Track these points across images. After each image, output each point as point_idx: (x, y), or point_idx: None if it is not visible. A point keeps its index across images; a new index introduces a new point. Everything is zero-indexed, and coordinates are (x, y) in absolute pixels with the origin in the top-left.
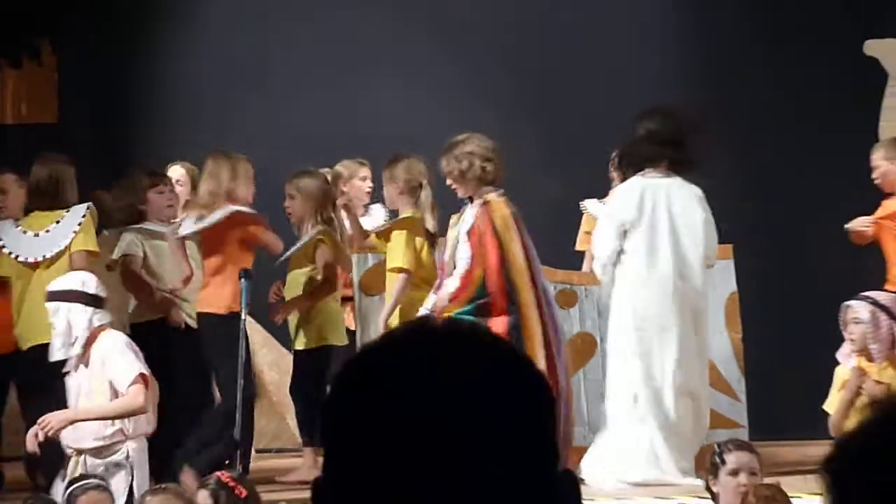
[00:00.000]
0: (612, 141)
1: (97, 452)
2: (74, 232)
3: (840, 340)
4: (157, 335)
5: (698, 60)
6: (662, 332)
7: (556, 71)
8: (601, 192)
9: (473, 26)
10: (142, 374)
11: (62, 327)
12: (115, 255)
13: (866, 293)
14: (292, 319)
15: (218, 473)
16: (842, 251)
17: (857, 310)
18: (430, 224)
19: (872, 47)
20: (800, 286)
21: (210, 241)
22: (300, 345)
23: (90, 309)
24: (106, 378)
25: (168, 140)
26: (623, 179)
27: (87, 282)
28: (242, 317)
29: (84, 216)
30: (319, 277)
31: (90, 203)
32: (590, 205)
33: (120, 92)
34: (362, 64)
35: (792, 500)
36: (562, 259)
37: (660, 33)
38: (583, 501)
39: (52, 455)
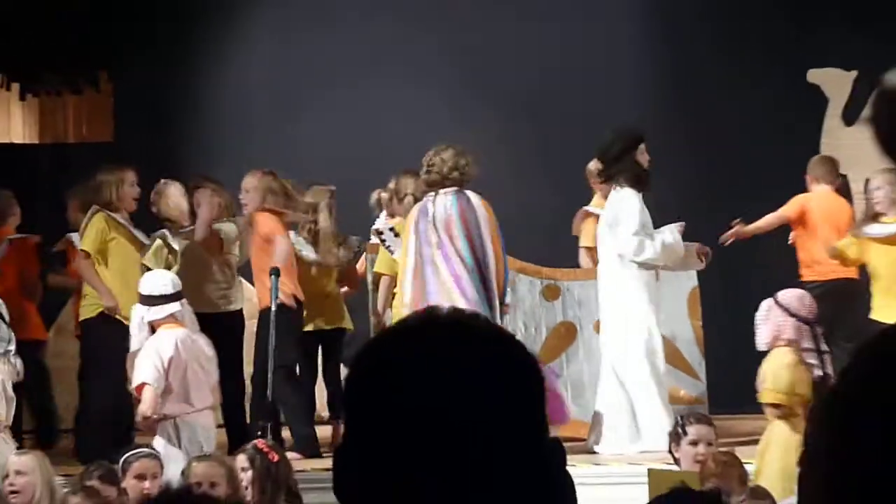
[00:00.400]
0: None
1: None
2: (79, 234)
3: None
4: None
5: (671, 76)
6: (602, 324)
7: (555, 71)
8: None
9: (474, 26)
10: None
11: (130, 323)
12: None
13: (780, 291)
14: None
15: (255, 441)
16: (792, 250)
17: (762, 305)
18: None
19: (814, 76)
20: (754, 280)
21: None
22: None
23: (144, 307)
24: None
25: (208, 154)
26: (605, 194)
27: (144, 281)
28: (272, 308)
29: (88, 220)
30: None
31: (97, 206)
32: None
33: (167, 113)
34: (365, 66)
35: (745, 465)
36: (559, 257)
37: (650, 47)
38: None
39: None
